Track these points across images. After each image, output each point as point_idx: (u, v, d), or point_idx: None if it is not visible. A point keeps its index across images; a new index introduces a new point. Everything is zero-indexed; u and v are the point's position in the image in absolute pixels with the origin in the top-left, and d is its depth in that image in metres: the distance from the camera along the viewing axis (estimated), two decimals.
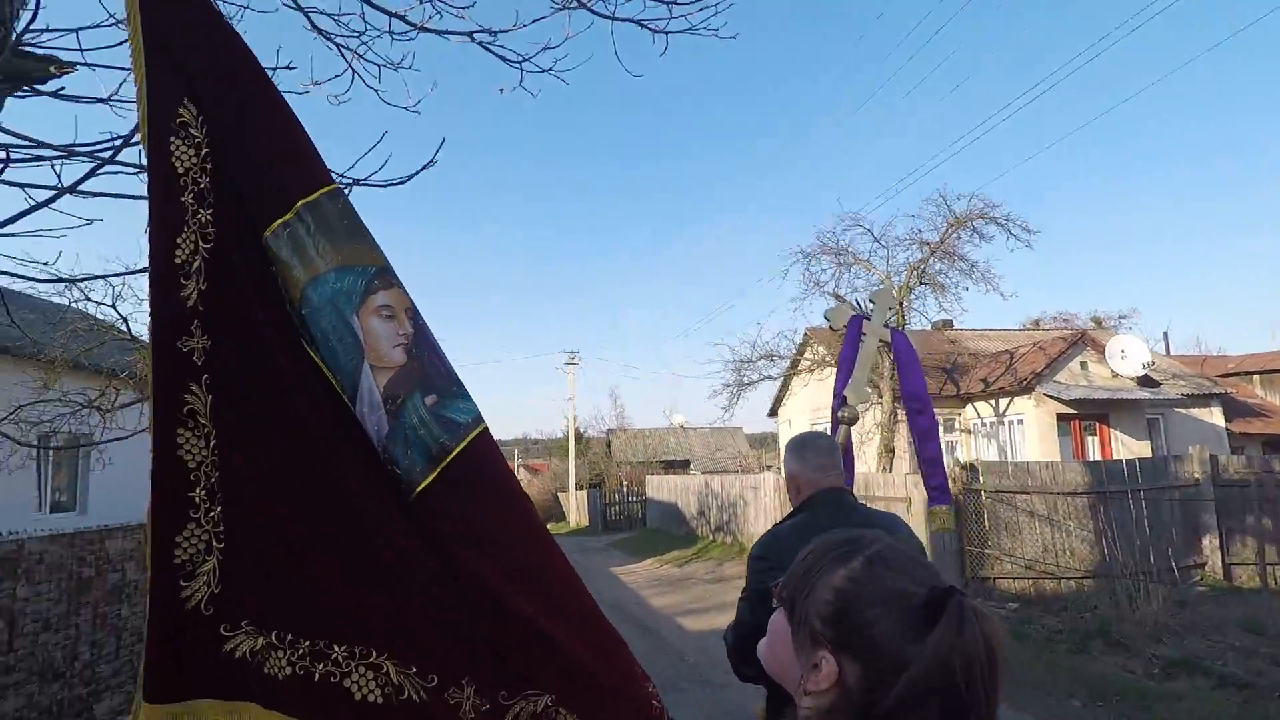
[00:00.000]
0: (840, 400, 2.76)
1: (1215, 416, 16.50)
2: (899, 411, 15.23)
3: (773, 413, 23.30)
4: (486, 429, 1.50)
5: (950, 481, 8.55)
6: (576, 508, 29.86)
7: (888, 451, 14.39)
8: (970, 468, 8.49)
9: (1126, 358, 15.06)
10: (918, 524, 8.81)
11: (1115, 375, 15.53)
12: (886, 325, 2.99)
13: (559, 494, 34.63)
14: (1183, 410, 16.14)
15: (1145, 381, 15.48)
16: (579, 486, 31.69)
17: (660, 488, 21.43)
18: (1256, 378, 21.25)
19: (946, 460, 15.29)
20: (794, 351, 18.63)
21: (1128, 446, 15.51)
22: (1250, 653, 5.85)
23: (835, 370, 2.84)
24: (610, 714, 1.40)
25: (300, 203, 1.44)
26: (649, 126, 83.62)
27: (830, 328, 3.04)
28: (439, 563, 1.39)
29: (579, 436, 36.41)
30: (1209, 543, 8.81)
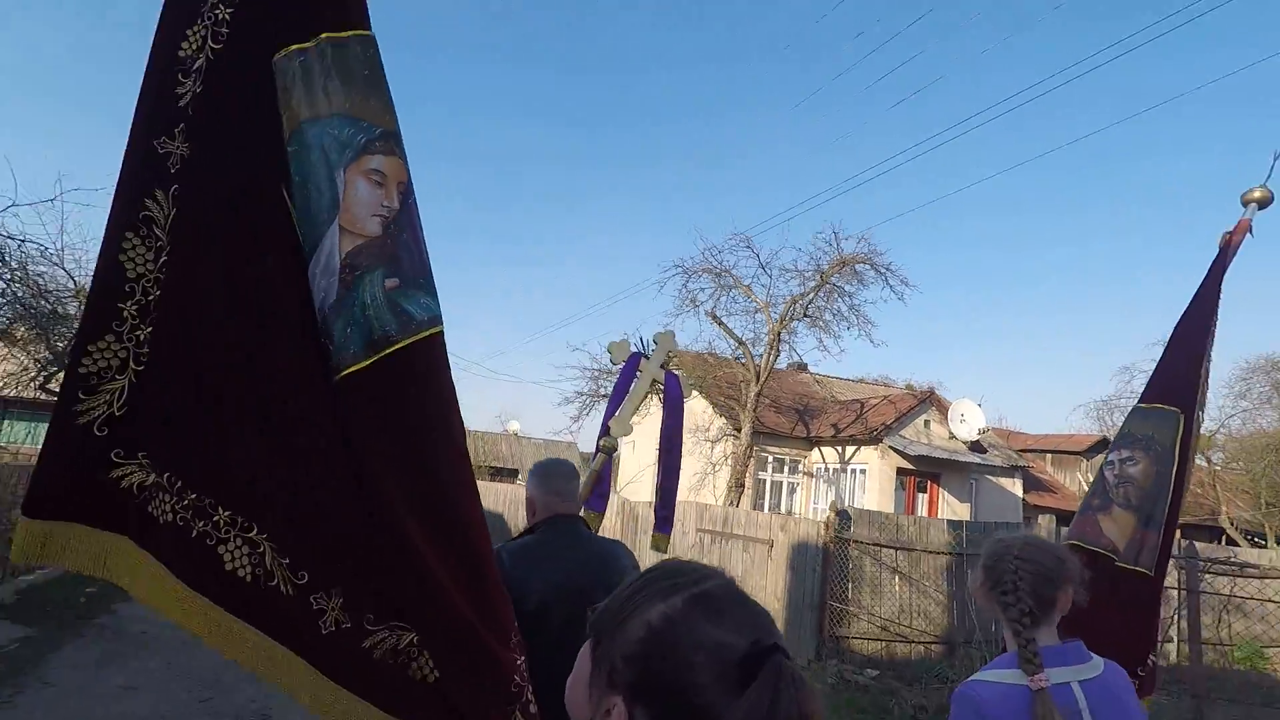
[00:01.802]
0: (604, 430, 2.83)
1: (1016, 487, 17.65)
2: (765, 448, 14.81)
3: None
4: (441, 335, 1.40)
5: (823, 527, 7.87)
6: None
7: (737, 486, 13.81)
8: (843, 514, 7.85)
9: (965, 421, 15.67)
10: (777, 566, 8.02)
11: (951, 437, 16.13)
12: (663, 367, 3.09)
13: None
14: (992, 478, 17.11)
15: (975, 447, 16.21)
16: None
17: (487, 495, 19.66)
18: (1049, 456, 23.49)
19: (785, 503, 15.04)
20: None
21: (952, 507, 16.12)
22: None
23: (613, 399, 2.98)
24: (470, 673, 1.34)
25: (325, 35, 1.34)
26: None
27: (611, 361, 3.13)
28: (345, 459, 1.32)
29: None
30: None
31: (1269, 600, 9.82)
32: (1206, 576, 9.85)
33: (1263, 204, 2.26)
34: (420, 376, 1.36)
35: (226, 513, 1.29)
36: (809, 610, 7.57)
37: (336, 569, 1.30)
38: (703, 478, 16.30)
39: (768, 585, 8.13)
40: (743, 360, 15.10)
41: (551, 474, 2.21)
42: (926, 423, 16.38)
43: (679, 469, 3.23)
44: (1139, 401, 2.29)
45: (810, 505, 17.04)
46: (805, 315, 13.93)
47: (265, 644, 1.29)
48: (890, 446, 15.36)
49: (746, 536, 8.61)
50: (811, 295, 13.90)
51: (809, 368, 19.71)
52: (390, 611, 1.31)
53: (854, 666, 7.13)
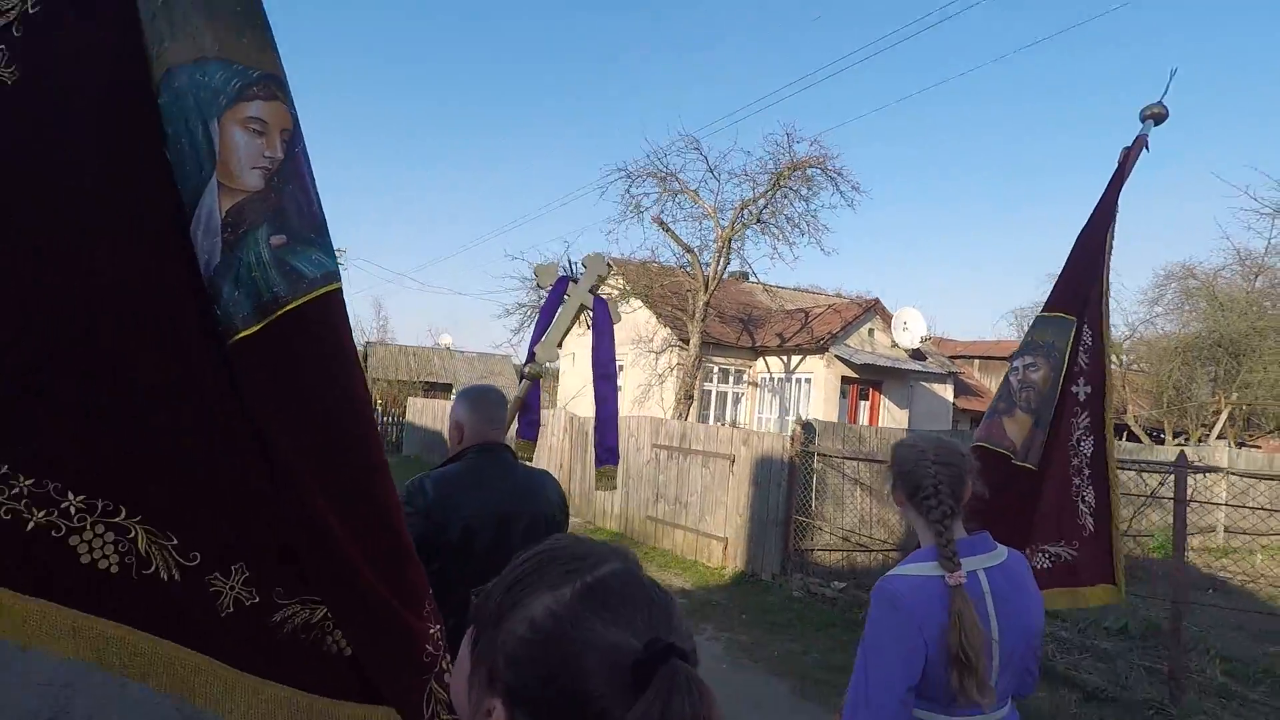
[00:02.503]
0: (530, 355, 2.79)
1: (948, 393, 18.15)
2: (711, 358, 14.51)
3: (557, 343, 21.78)
4: (338, 292, 1.33)
5: (789, 441, 7.62)
6: None
7: (686, 398, 13.55)
8: (808, 427, 7.61)
9: (908, 329, 15.76)
10: (740, 482, 7.80)
11: (894, 345, 16.26)
12: (592, 292, 3.02)
13: None
14: (927, 385, 17.51)
15: (915, 355, 16.42)
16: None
17: (423, 412, 18.92)
18: (977, 362, 24.35)
19: (730, 414, 14.95)
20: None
21: (892, 414, 16.45)
22: (1075, 647, 5.56)
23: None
24: (383, 645, 1.28)
25: None
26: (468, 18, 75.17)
27: (537, 285, 3.07)
28: (243, 428, 1.25)
29: None
30: None
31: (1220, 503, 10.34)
32: (1136, 474, 10.31)
33: (1158, 120, 2.33)
34: (316, 338, 1.29)
35: (79, 497, 1.17)
36: (774, 525, 7.40)
37: (234, 543, 1.24)
38: (647, 390, 16.01)
39: (729, 501, 7.92)
40: (690, 269, 14.55)
41: (484, 400, 2.17)
42: (870, 331, 16.42)
43: (616, 399, 3.13)
44: (1042, 310, 2.35)
45: (755, 415, 17.09)
46: (758, 221, 13.37)
47: (136, 640, 1.19)
48: (836, 355, 15.35)
49: (707, 452, 8.32)
50: (765, 201, 13.30)
51: (750, 277, 19.36)
52: (299, 584, 1.26)
53: (819, 579, 7.06)
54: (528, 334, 16.36)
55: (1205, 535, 11.03)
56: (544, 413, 13.02)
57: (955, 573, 1.44)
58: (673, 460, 8.86)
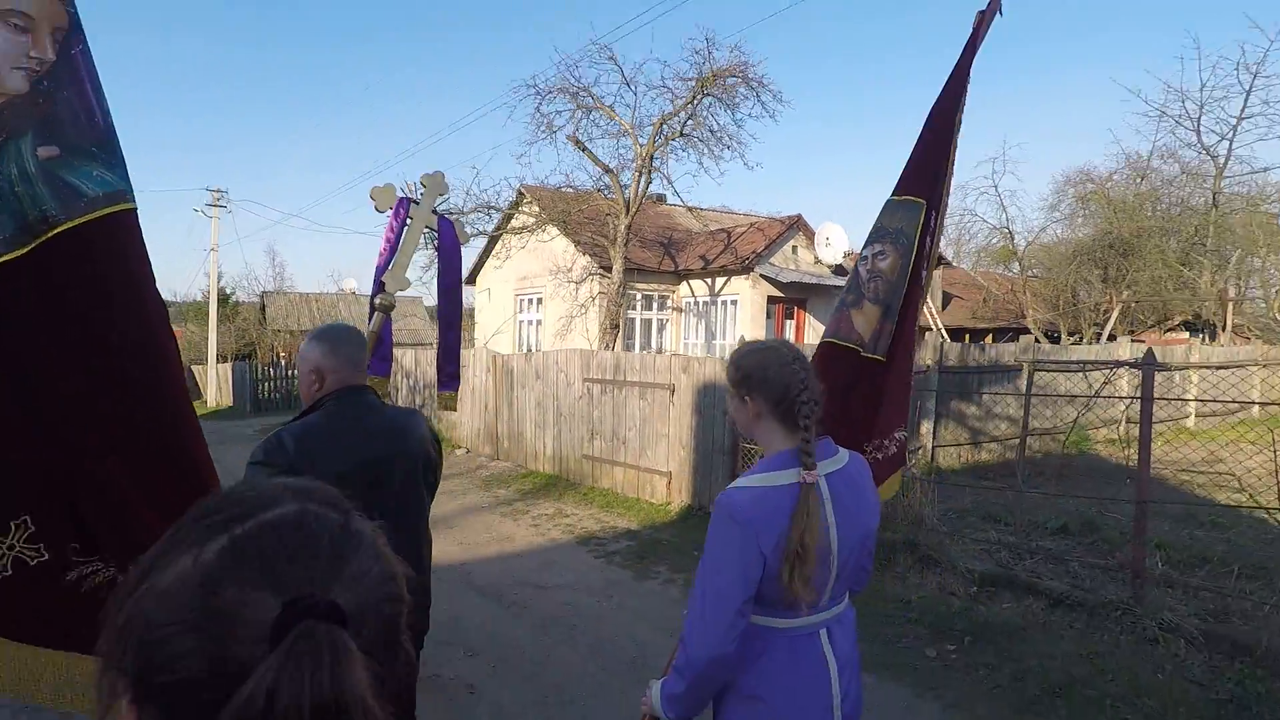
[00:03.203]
0: (379, 286, 2.71)
1: None
2: (633, 285, 13.92)
3: (470, 279, 20.63)
4: (129, 214, 1.21)
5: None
6: (218, 384, 24.25)
7: (612, 327, 13.03)
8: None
9: (830, 245, 15.64)
10: (681, 412, 7.42)
11: (817, 261, 16.16)
12: (435, 212, 2.93)
13: (194, 367, 28.30)
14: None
15: (839, 270, 16.41)
16: (222, 358, 25.88)
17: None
18: None
19: (655, 341, 14.58)
20: (507, 209, 16.01)
21: (817, 332, 16.51)
22: (1024, 550, 5.58)
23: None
24: None
25: None
26: None
27: (375, 209, 2.85)
28: (5, 362, 1.14)
29: (224, 298, 29.71)
30: (926, 428, 9.06)
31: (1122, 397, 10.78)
32: (1049, 375, 10.67)
33: None
34: (97, 265, 1.17)
35: None
36: (720, 455, 7.10)
37: (19, 496, 1.12)
38: (569, 322, 15.36)
39: (671, 433, 7.56)
40: (609, 192, 13.77)
41: (343, 340, 2.03)
42: (794, 249, 16.23)
43: (460, 322, 3.04)
44: (891, 194, 2.22)
45: (681, 341, 16.80)
46: (682, 135, 12.62)
47: None
48: (762, 275, 15.11)
49: (644, 383, 7.88)
50: (687, 115, 12.53)
51: (668, 199, 18.68)
52: (91, 544, 1.17)
53: None
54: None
55: (1109, 427, 11.65)
56: (465, 352, 12.23)
57: (812, 470, 1.46)
58: (607, 394, 8.39)
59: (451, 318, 3.02)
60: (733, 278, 15.59)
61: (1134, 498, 4.37)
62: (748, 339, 12.70)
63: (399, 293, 2.79)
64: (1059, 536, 6.13)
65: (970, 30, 2.22)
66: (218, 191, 25.27)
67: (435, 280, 3.14)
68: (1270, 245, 19.60)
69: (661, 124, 12.73)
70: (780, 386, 1.53)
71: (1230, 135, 18.28)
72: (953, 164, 2.27)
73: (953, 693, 3.63)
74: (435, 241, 2.94)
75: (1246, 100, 17.67)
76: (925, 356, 9.11)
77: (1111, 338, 18.34)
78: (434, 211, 2.94)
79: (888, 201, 2.23)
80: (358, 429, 1.96)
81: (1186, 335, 19.69)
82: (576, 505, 7.87)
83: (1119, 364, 6.96)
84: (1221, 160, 18.65)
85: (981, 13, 2.23)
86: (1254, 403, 9.85)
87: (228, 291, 32.09)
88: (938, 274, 24.02)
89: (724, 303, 16.00)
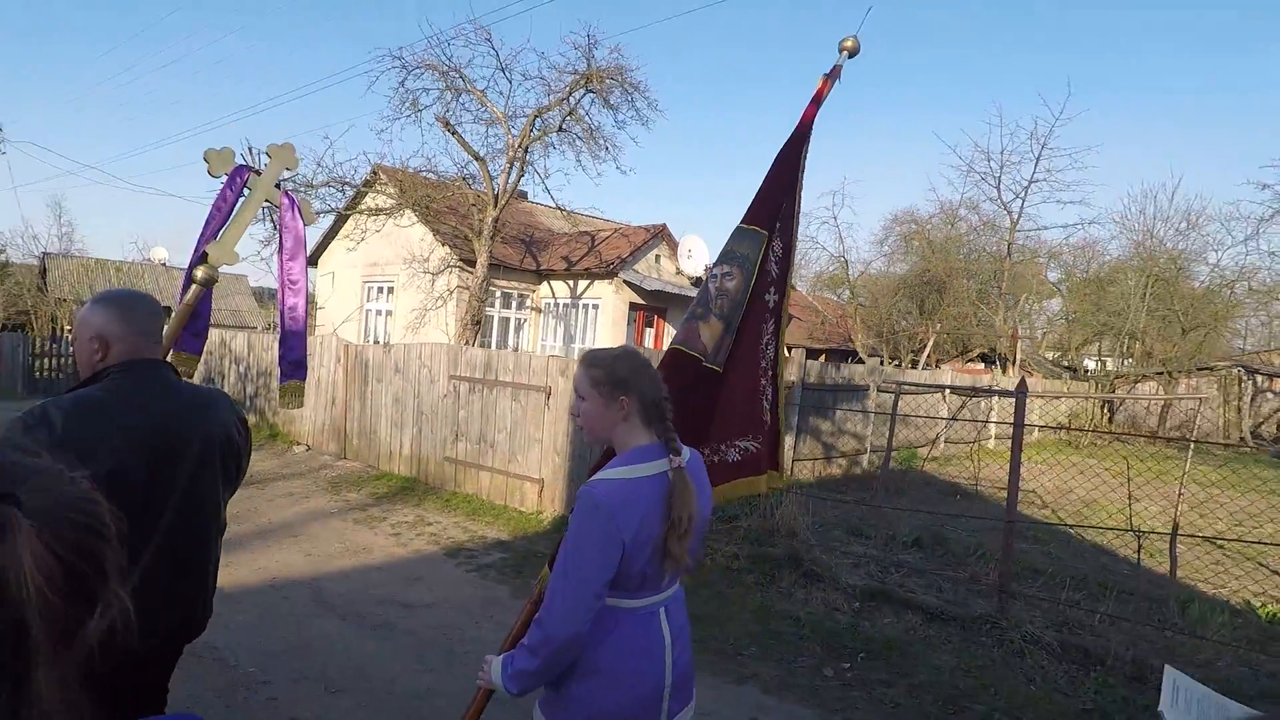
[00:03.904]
0: (200, 256, 2.55)
1: None
2: (493, 282, 13.28)
3: (312, 261, 18.80)
4: None
5: (784, 373, 7.02)
6: None
7: (474, 323, 12.36)
8: None
9: (692, 257, 15.98)
10: (557, 416, 7.09)
11: (679, 272, 16.45)
12: (278, 186, 2.78)
13: None
14: None
15: (698, 282, 16.82)
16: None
17: None
18: None
19: (512, 340, 14.10)
20: (357, 187, 14.71)
21: None
22: (888, 564, 5.88)
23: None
24: None
25: None
26: None
27: (209, 172, 2.68)
28: None
29: None
30: (788, 442, 9.43)
31: (934, 415, 11.85)
32: (882, 395, 11.59)
33: (852, 53, 2.46)
34: None
35: None
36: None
37: None
38: (422, 315, 14.43)
39: (545, 438, 7.20)
40: (476, 182, 13.09)
41: (135, 307, 1.82)
42: (658, 258, 16.41)
43: (306, 310, 2.93)
44: (740, 223, 2.43)
45: (539, 342, 16.39)
46: (561, 130, 12.23)
47: None
48: (625, 281, 15.10)
49: (517, 384, 7.46)
50: (565, 110, 12.16)
51: (529, 196, 18.16)
52: None
53: None
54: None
55: (929, 446, 12.85)
56: (310, 340, 10.99)
57: (679, 457, 1.63)
58: (476, 393, 7.87)
59: (295, 304, 2.85)
60: (596, 281, 15.46)
61: (986, 514, 4.69)
62: (604, 344, 12.59)
63: (223, 268, 2.60)
64: (914, 550, 6.54)
65: (816, 89, 2.48)
66: None
67: (274, 259, 3.05)
68: (1039, 293, 22.98)
69: (536, 116, 12.31)
70: (653, 389, 1.68)
71: (1023, 195, 21.12)
72: (799, 206, 2.53)
73: (858, 713, 3.66)
74: (275, 217, 2.82)
75: (1035, 166, 20.51)
76: (789, 373, 9.49)
77: (928, 365, 20.40)
78: (277, 186, 2.79)
79: (737, 228, 2.43)
80: (146, 405, 1.75)
81: (982, 365, 22.39)
82: (439, 512, 7.27)
83: (998, 392, 7.60)
84: (1015, 215, 21.44)
85: (826, 76, 2.48)
86: (1085, 433, 11.16)
87: None
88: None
89: (585, 306, 15.80)
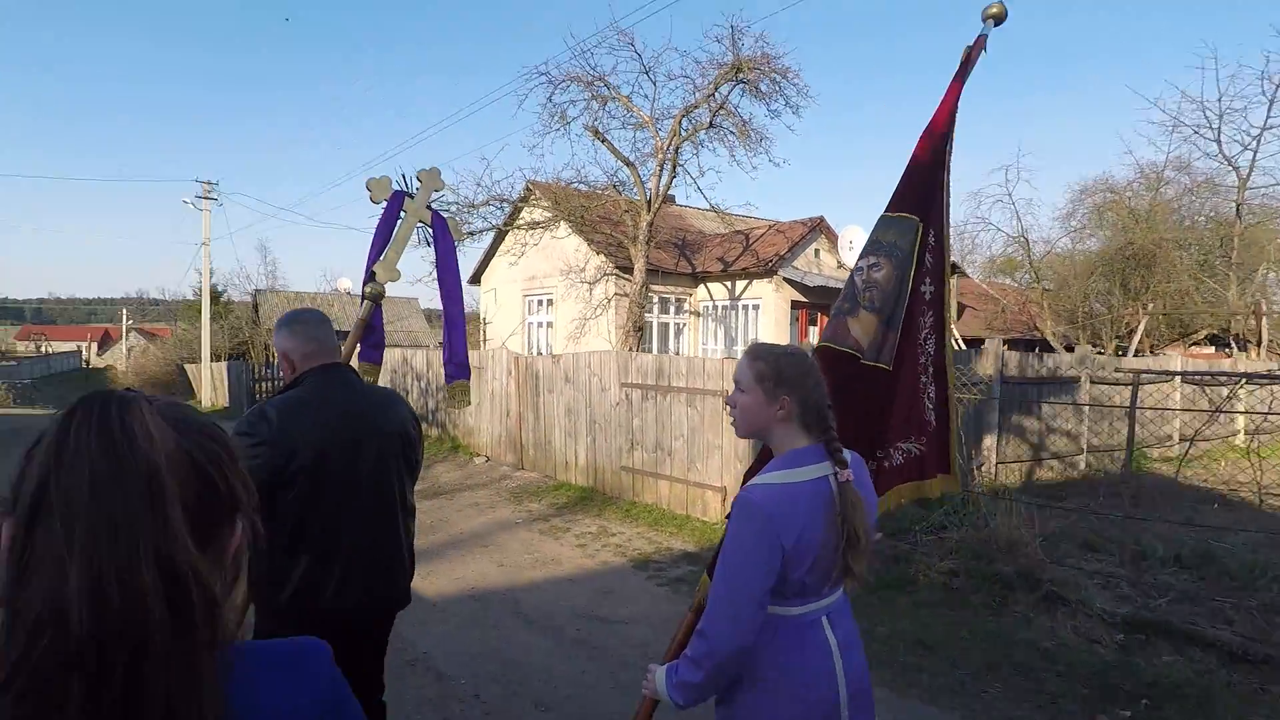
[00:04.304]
0: (369, 275, 2.80)
1: None
2: (649, 287, 13.22)
3: (475, 279, 19.85)
4: None
5: (951, 368, 6.56)
6: (212, 384, 23.30)
7: (636, 330, 12.33)
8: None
9: (854, 248, 15.01)
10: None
11: (840, 265, 15.56)
12: (429, 207, 2.98)
13: (186, 365, 27.30)
14: None
15: None
16: (216, 357, 24.92)
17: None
18: None
19: (672, 345, 13.86)
20: (513, 204, 15.26)
21: None
22: (1143, 586, 4.93)
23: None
24: None
25: None
26: None
27: (371, 199, 2.94)
28: None
29: (216, 296, 28.64)
30: (990, 443, 8.43)
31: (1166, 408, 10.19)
32: (1095, 388, 10.09)
33: (998, 20, 2.31)
34: None
35: None
36: None
37: None
38: (582, 324, 14.65)
39: (725, 445, 6.85)
40: (627, 188, 13.09)
41: (303, 322, 2.16)
42: (817, 252, 15.63)
43: (463, 318, 3.10)
44: (885, 211, 2.30)
45: (700, 346, 16.13)
46: (711, 126, 11.91)
47: None
48: (785, 278, 14.47)
49: (691, 389, 7.18)
50: (714, 107, 11.82)
51: (677, 199, 17.96)
52: None
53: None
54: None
55: (1164, 445, 11.05)
56: (474, 353, 11.47)
57: (845, 470, 1.55)
58: (649, 400, 7.68)
59: (455, 316, 3.04)
60: (754, 281, 14.95)
61: (1267, 527, 3.70)
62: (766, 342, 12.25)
63: (389, 284, 2.81)
64: (1175, 570, 5.47)
65: (959, 63, 2.32)
66: (209, 184, 24.35)
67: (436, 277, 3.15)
68: None
69: (684, 115, 12.06)
70: (817, 394, 1.62)
71: (1254, 146, 17.86)
72: (948, 189, 2.39)
73: None
74: (428, 235, 3.00)
75: (1269, 110, 17.26)
76: (985, 366, 8.48)
77: (1139, 352, 17.86)
78: (428, 207, 2.97)
79: (881, 217, 2.30)
80: (337, 403, 2.06)
81: (1212, 349, 19.25)
82: (621, 522, 7.14)
83: (1259, 377, 6.31)
84: (1245, 171, 18.23)
85: (969, 48, 2.32)
86: None
87: (219, 290, 31.12)
88: (952, 285, 23.56)
89: (745, 307, 15.33)
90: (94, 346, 63.12)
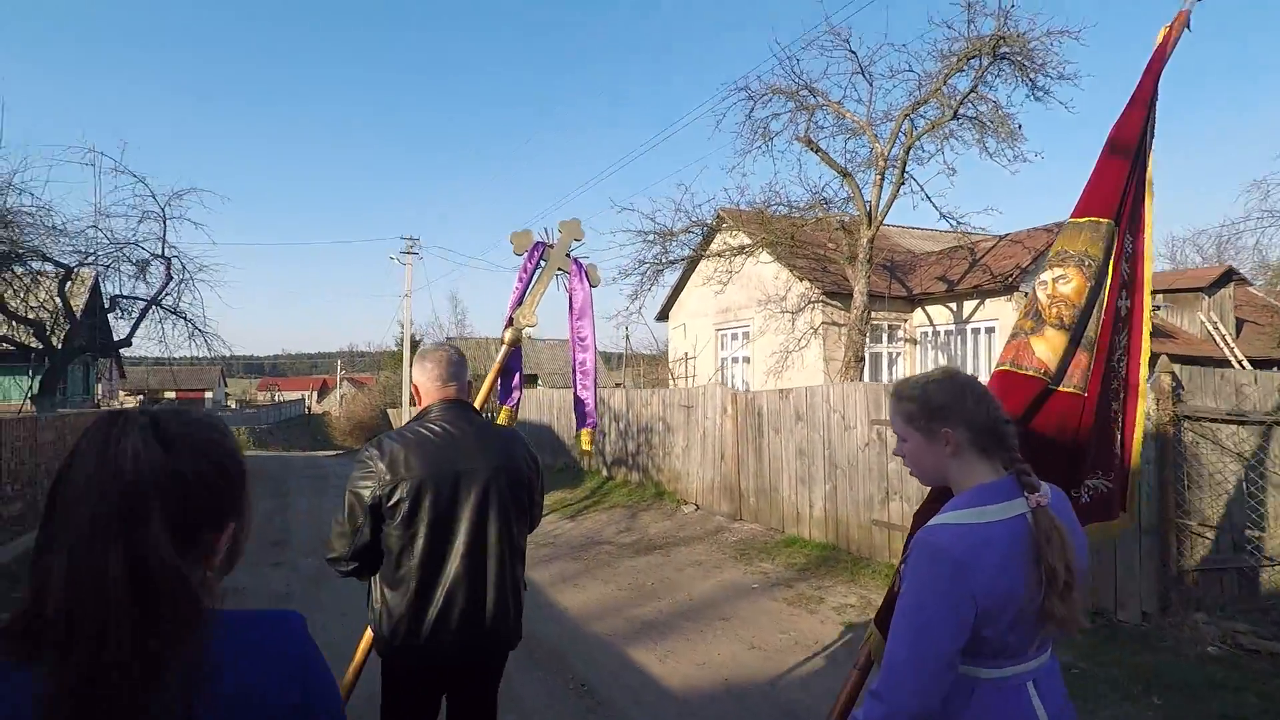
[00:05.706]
0: (508, 321, 2.94)
1: None
2: (869, 314, 11.68)
3: (663, 315, 19.28)
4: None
5: (1145, 396, 4.89)
6: None
7: (856, 361, 10.83)
8: (1174, 377, 4.85)
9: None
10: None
11: None
12: (569, 255, 3.12)
13: (389, 410, 29.45)
14: None
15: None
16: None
17: (526, 403, 16.84)
18: (1159, 296, 20.53)
19: (885, 376, 12.02)
20: (704, 235, 14.42)
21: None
22: None
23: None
24: None
25: None
26: None
27: (514, 252, 3.12)
28: None
29: (414, 345, 30.86)
30: (1274, 508, 5.99)
31: None
32: None
33: None
34: None
35: None
36: (1145, 536, 4.67)
37: None
38: (783, 358, 13.32)
39: None
40: (835, 205, 11.76)
41: (427, 357, 2.28)
42: None
43: (594, 365, 3.13)
44: (1071, 215, 2.10)
45: None
46: (955, 118, 10.26)
47: None
48: (1027, 294, 12.27)
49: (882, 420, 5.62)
50: (952, 104, 10.13)
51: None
52: None
53: (1249, 626, 4.32)
54: (648, 298, 13.93)
55: None
56: (691, 393, 10.53)
57: (1037, 493, 1.33)
58: None
59: (585, 360, 3.10)
60: (986, 300, 12.86)
61: None
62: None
63: (529, 327, 2.96)
64: None
65: (1155, 46, 2.16)
66: (411, 239, 26.26)
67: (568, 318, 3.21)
68: None
69: (910, 112, 10.55)
70: (983, 412, 1.42)
71: None
72: (1149, 189, 2.18)
73: None
74: (566, 283, 3.11)
75: None
76: (1266, 397, 6.06)
77: None
78: (568, 254, 3.12)
79: (1067, 223, 2.09)
80: (449, 439, 2.11)
81: None
82: (884, 591, 5.70)
83: None
84: None
85: (1168, 26, 2.15)
86: None
87: (417, 339, 33.62)
88: (1227, 295, 19.44)
89: (976, 330, 13.24)
90: (314, 395, 71.54)
